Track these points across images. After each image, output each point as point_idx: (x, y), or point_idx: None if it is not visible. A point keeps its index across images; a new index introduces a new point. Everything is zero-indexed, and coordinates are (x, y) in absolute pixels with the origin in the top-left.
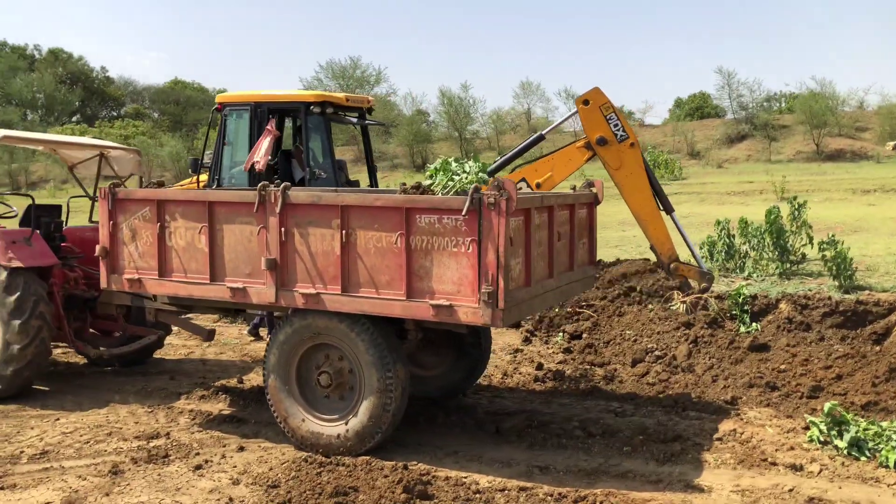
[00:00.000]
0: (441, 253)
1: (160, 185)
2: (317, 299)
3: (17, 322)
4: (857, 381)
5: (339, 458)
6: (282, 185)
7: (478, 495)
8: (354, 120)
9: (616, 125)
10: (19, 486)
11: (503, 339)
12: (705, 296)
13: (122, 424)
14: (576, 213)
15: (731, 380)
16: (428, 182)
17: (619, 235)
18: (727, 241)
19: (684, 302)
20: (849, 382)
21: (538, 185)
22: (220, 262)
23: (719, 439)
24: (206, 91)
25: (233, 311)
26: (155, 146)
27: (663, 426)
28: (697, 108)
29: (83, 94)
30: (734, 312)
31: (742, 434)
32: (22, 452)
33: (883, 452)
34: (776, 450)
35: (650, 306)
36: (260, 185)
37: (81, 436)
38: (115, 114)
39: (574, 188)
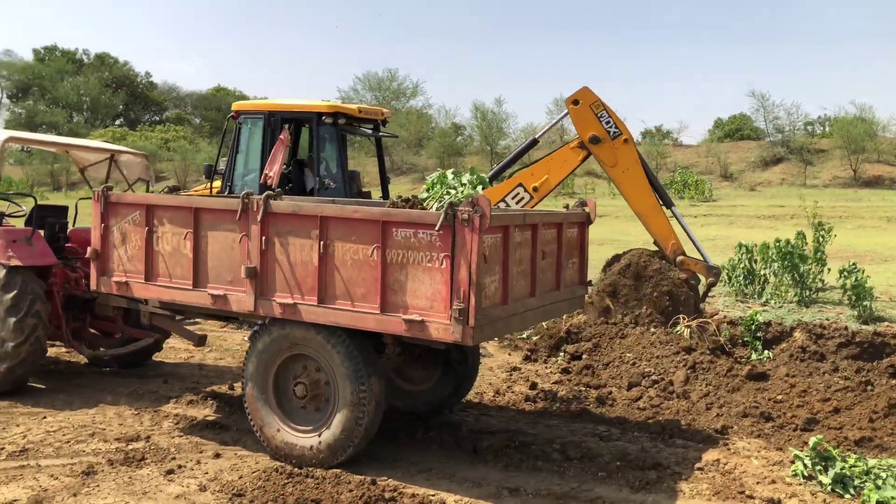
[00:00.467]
0: (416, 267)
1: (175, 189)
2: (294, 310)
3: (12, 320)
4: (854, 416)
5: (309, 469)
6: (264, 194)
7: None
8: (369, 132)
9: (608, 122)
10: None
11: (502, 357)
12: (713, 320)
13: (107, 425)
14: (564, 231)
15: (725, 408)
16: (424, 195)
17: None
18: (747, 265)
19: (689, 326)
20: (846, 416)
21: (535, 189)
22: (204, 269)
23: (700, 469)
24: (247, 98)
25: (233, 316)
26: (193, 151)
27: (645, 452)
28: (737, 130)
29: (127, 98)
30: (746, 339)
31: (725, 465)
32: (2, 449)
33: (865, 491)
34: (757, 482)
35: (653, 329)
36: (243, 193)
37: (64, 435)
38: (157, 118)
39: (567, 207)
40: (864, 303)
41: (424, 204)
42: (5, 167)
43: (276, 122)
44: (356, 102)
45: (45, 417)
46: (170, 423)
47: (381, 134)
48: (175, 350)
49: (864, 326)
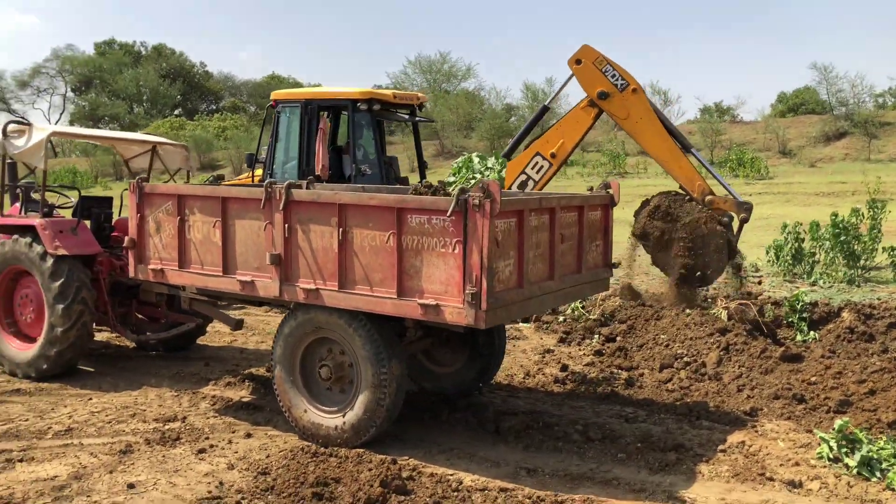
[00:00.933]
0: (430, 253)
1: (220, 178)
2: (316, 295)
3: (60, 306)
4: (889, 398)
5: (334, 449)
6: (286, 183)
7: (455, 493)
8: (405, 117)
9: (614, 76)
10: (36, 460)
11: (537, 339)
12: (755, 301)
13: (147, 407)
14: (586, 214)
15: (756, 390)
16: (451, 180)
17: None
18: (795, 244)
19: (727, 308)
20: (881, 398)
21: (553, 155)
22: (232, 256)
23: (723, 451)
24: (300, 85)
25: (264, 302)
26: (247, 139)
27: (669, 434)
28: (801, 104)
29: (183, 88)
30: (791, 320)
31: (750, 447)
32: (49, 428)
33: (890, 474)
34: (780, 465)
35: (688, 311)
36: (266, 182)
37: (107, 416)
38: (213, 108)
39: (591, 189)
40: None
41: (450, 189)
42: (72, 158)
43: (313, 109)
44: (407, 86)
45: (90, 399)
46: (207, 404)
47: (417, 119)
48: (219, 334)
49: None
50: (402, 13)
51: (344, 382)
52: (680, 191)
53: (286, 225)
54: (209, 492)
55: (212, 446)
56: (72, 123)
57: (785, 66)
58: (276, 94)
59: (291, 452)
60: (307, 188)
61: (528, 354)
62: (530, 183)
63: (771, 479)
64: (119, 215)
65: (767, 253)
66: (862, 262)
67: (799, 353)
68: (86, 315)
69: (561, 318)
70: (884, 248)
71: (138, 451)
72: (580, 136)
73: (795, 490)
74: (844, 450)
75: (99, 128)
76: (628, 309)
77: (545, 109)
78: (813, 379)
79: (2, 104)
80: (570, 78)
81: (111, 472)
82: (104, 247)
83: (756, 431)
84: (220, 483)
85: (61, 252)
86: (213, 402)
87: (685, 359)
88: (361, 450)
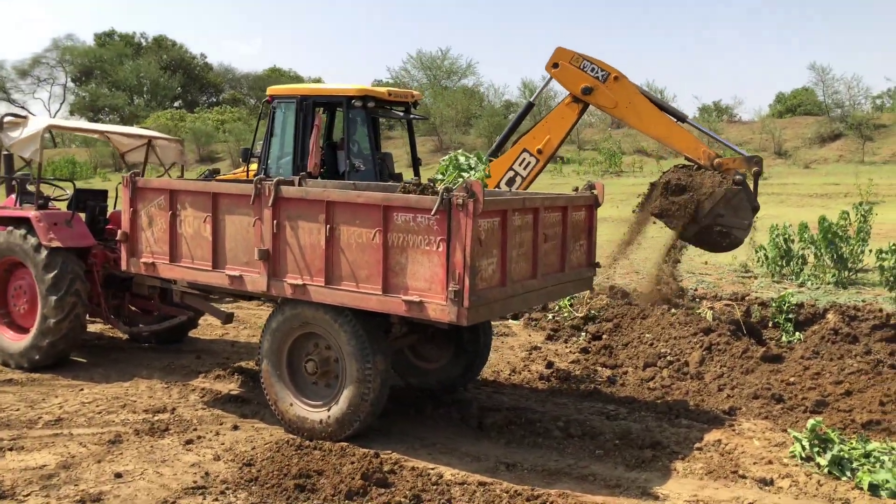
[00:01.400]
0: (415, 251)
1: (215, 172)
2: (303, 290)
3: (53, 298)
4: (865, 399)
5: (318, 442)
6: (275, 180)
7: (435, 487)
8: (400, 114)
9: (593, 70)
10: (26, 449)
11: (525, 336)
12: (743, 301)
13: (138, 398)
14: (570, 214)
15: (736, 389)
16: (439, 178)
17: None
18: (784, 246)
19: (711, 308)
20: (857, 399)
21: (539, 151)
22: (222, 251)
23: (700, 449)
24: (301, 79)
25: (254, 297)
26: (247, 132)
27: (648, 432)
28: (799, 105)
29: (184, 80)
30: (777, 321)
31: (726, 445)
32: (40, 418)
33: (859, 474)
34: (753, 463)
35: (673, 311)
36: (256, 178)
37: (97, 406)
38: (214, 100)
39: (576, 189)
40: None
41: (438, 187)
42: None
43: (308, 106)
44: (407, 82)
45: (82, 389)
46: (196, 396)
47: (411, 116)
48: (211, 327)
49: None
50: (404, 8)
51: (329, 377)
52: (687, 162)
53: (275, 221)
54: (195, 482)
55: (199, 437)
56: (72, 114)
57: (784, 67)
58: (271, 90)
59: (276, 445)
60: (299, 185)
61: (516, 351)
62: (518, 179)
63: (743, 477)
64: (114, 208)
65: (757, 253)
66: (850, 264)
67: (780, 353)
68: (79, 307)
69: (549, 316)
70: (871, 251)
71: (127, 442)
72: (566, 132)
73: (766, 488)
74: (816, 449)
75: (99, 118)
76: (615, 307)
77: (530, 106)
78: (792, 379)
79: (2, 93)
80: (548, 81)
81: (99, 462)
82: (98, 239)
83: (733, 430)
84: (206, 473)
85: (55, 244)
86: (202, 395)
87: (668, 358)
88: (345, 443)
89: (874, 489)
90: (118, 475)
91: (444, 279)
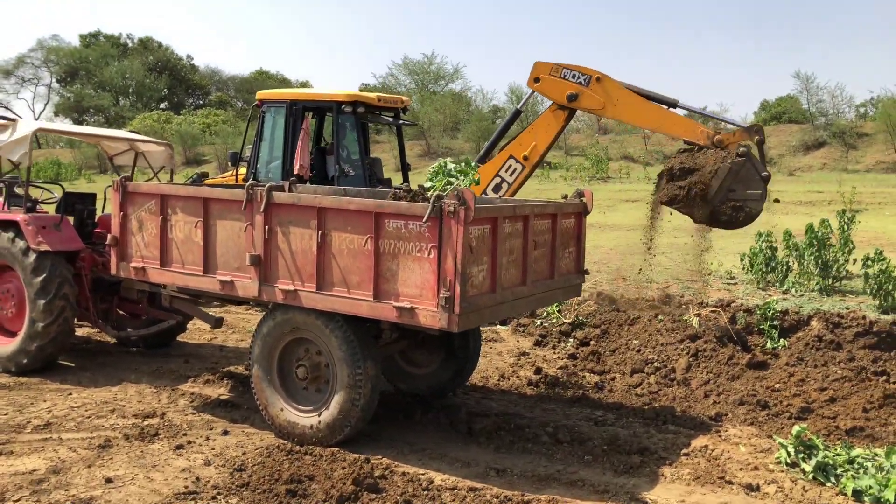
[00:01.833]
0: (406, 257)
1: (203, 176)
2: (294, 296)
3: (42, 301)
4: (849, 406)
5: (309, 447)
6: (267, 185)
7: (426, 492)
8: (389, 119)
9: (574, 76)
10: (15, 454)
11: (513, 342)
12: (729, 308)
13: (127, 402)
14: (559, 222)
15: (722, 396)
16: (428, 185)
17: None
18: (768, 253)
19: (698, 315)
20: (841, 406)
21: (525, 158)
22: (213, 256)
23: (687, 454)
24: (288, 82)
25: (243, 302)
26: (233, 135)
27: (635, 437)
28: (784, 113)
29: (169, 81)
30: (762, 327)
31: (713, 451)
32: (29, 422)
33: (843, 480)
34: (740, 469)
35: (660, 317)
36: (248, 184)
37: (86, 411)
38: (200, 102)
39: (565, 197)
40: (888, 291)
41: (429, 194)
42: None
43: (298, 110)
44: (394, 86)
45: (70, 394)
46: (185, 400)
47: (401, 122)
48: (199, 331)
49: (883, 316)
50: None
51: (320, 382)
52: (687, 146)
53: (266, 227)
54: (185, 487)
55: (189, 442)
56: (56, 114)
57: (769, 74)
58: (261, 94)
59: (267, 450)
60: (289, 189)
61: (504, 357)
62: (504, 185)
63: (730, 483)
64: (102, 211)
65: (742, 260)
66: (834, 271)
67: (765, 360)
68: (67, 311)
69: (537, 322)
70: (855, 259)
71: (117, 447)
72: (551, 139)
73: (752, 493)
74: (801, 455)
75: (84, 119)
76: (603, 314)
77: (517, 113)
78: (777, 386)
79: None
80: (530, 96)
81: (89, 467)
82: (87, 243)
83: (719, 436)
84: (197, 479)
85: (44, 248)
86: (191, 399)
87: (655, 364)
88: (336, 448)
89: (858, 495)
90: (108, 480)
91: (435, 286)
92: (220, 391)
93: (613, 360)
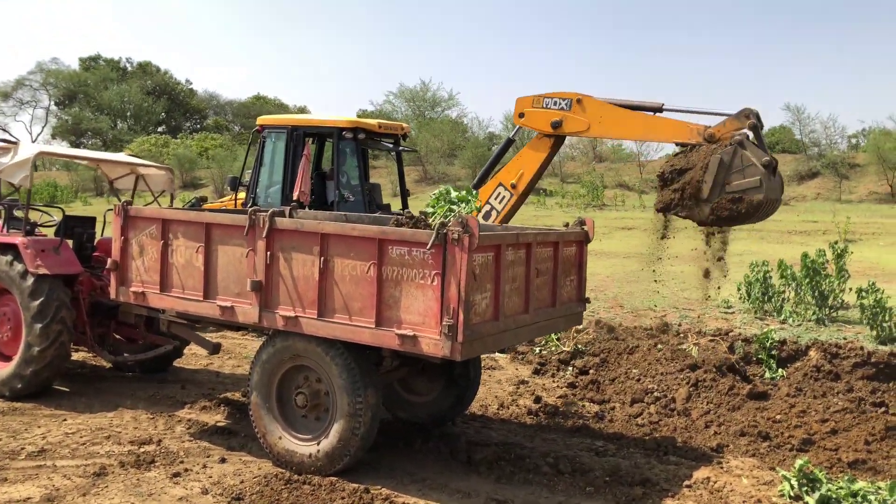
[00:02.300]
0: (409, 284)
1: (202, 200)
2: (295, 322)
3: (38, 325)
4: (851, 438)
5: (307, 476)
6: (269, 211)
7: None
8: (389, 146)
9: (556, 103)
10: (9, 481)
11: (512, 370)
12: (725, 337)
13: (122, 429)
14: (561, 250)
15: (723, 426)
16: (430, 211)
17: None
18: (764, 283)
19: (697, 344)
20: (842, 438)
21: (513, 186)
22: (214, 281)
23: (689, 486)
24: (286, 107)
25: (242, 327)
26: (230, 159)
27: (637, 468)
28: (777, 143)
29: (168, 105)
30: (760, 357)
31: (715, 483)
32: (23, 449)
33: None
34: (743, 501)
35: (659, 346)
36: (251, 209)
37: (81, 437)
38: (198, 125)
39: (566, 225)
40: (884, 322)
41: (430, 220)
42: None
43: (299, 136)
44: (391, 113)
45: (65, 420)
46: (182, 427)
47: (401, 148)
48: (196, 357)
49: (881, 346)
50: (388, 40)
51: (319, 410)
52: (681, 149)
53: (268, 252)
54: None
55: (186, 470)
56: (53, 137)
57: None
58: (262, 120)
59: (265, 479)
60: (290, 215)
61: (503, 385)
62: (493, 213)
63: None
64: (101, 235)
65: (739, 289)
66: (830, 301)
67: (765, 391)
68: (64, 335)
69: (536, 350)
70: (851, 289)
71: (112, 474)
72: (538, 166)
73: None
74: (805, 488)
75: (82, 142)
76: (602, 342)
77: (510, 142)
78: (778, 417)
79: None
80: (516, 132)
81: (84, 495)
82: (85, 266)
83: (721, 468)
84: None
85: (42, 271)
86: (188, 426)
87: (655, 394)
88: (335, 478)
89: None
90: None
91: (438, 313)
92: (217, 418)
93: (613, 389)
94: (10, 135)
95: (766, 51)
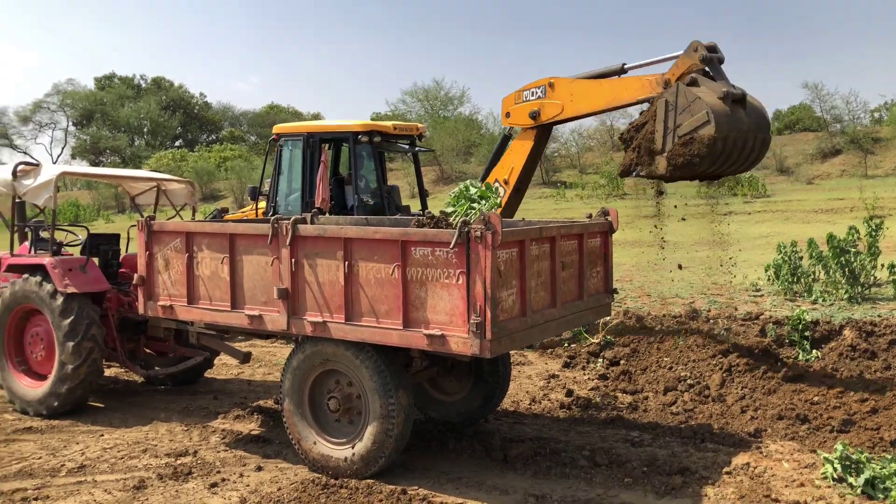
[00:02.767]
0: (434, 284)
1: (223, 212)
2: (324, 327)
3: (70, 343)
4: (892, 416)
5: (344, 480)
6: (292, 219)
7: None
8: (405, 147)
9: (532, 93)
10: (51, 498)
11: (541, 365)
12: (753, 321)
13: (158, 441)
14: (585, 242)
15: (760, 411)
16: (450, 210)
17: (691, 256)
18: (793, 263)
19: (728, 329)
20: (883, 416)
21: (505, 181)
22: (240, 291)
23: (729, 473)
24: (300, 115)
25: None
26: (248, 169)
27: (674, 457)
28: (798, 121)
29: (183, 119)
30: (793, 339)
31: (755, 468)
32: (63, 466)
33: (893, 493)
34: (785, 486)
35: (690, 333)
36: (273, 218)
37: (119, 451)
38: (213, 138)
39: (590, 216)
40: None
41: (451, 219)
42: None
43: (315, 142)
44: (405, 113)
45: (102, 435)
46: (217, 437)
47: (417, 149)
48: (227, 367)
49: None
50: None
51: (352, 414)
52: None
53: (293, 260)
54: None
55: (223, 480)
56: (73, 157)
57: (781, 84)
58: (277, 128)
59: (302, 485)
60: (311, 221)
61: (534, 380)
62: None
63: (776, 501)
64: (126, 251)
65: (767, 271)
66: (862, 279)
67: (801, 372)
68: (96, 352)
69: (565, 343)
70: (883, 265)
71: (151, 487)
72: (525, 159)
73: None
74: (849, 470)
75: (101, 161)
76: (631, 332)
77: (506, 139)
78: (816, 398)
79: (4, 140)
80: (509, 132)
81: None
82: (112, 283)
83: (760, 453)
84: None
85: (71, 290)
86: (223, 436)
87: (688, 381)
88: (371, 480)
89: None
90: None
91: (464, 312)
92: (251, 426)
93: (645, 378)
94: (32, 157)
95: (783, 29)
